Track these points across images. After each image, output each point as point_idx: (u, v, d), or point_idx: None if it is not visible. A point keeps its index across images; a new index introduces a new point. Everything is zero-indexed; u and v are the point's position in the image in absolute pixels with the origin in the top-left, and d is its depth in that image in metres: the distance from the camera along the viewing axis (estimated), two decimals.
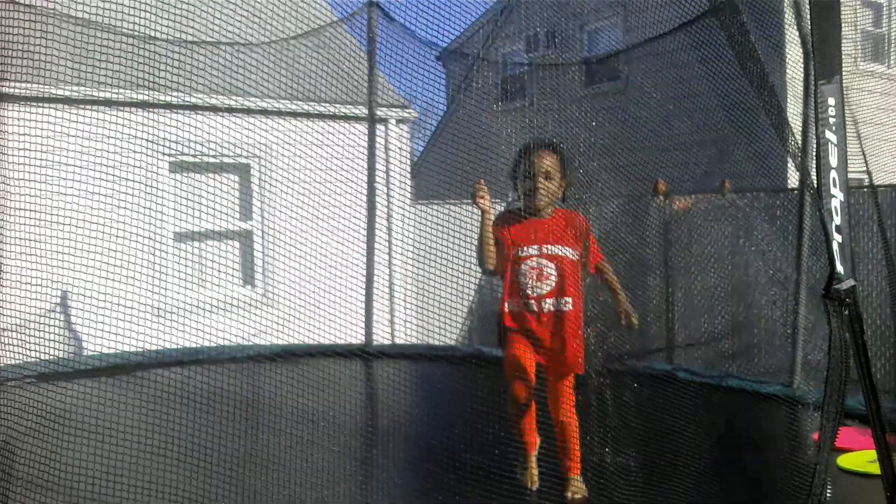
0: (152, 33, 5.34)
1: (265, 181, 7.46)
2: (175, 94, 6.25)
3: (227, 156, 7.15)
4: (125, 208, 5.95)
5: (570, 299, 3.19)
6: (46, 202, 4.74)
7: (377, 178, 7.94)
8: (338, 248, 6.43)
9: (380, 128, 8.09)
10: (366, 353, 5.60)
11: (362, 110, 6.70)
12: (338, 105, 7.14)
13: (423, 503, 3.29)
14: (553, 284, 3.16)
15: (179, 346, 5.58)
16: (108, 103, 5.92)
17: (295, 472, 3.34)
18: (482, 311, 8.14)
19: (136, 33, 5.12)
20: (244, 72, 6.23)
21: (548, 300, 3.16)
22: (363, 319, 6.14)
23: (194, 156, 6.89)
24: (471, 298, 8.04)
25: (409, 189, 8.61)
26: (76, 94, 5.94)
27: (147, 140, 6.34)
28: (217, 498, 3.05)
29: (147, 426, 3.64)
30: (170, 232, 6.92)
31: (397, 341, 7.42)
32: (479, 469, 3.19)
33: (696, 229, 7.65)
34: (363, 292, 6.18)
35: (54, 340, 5.23)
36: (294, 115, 7.33)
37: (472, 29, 9.78)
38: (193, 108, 6.39)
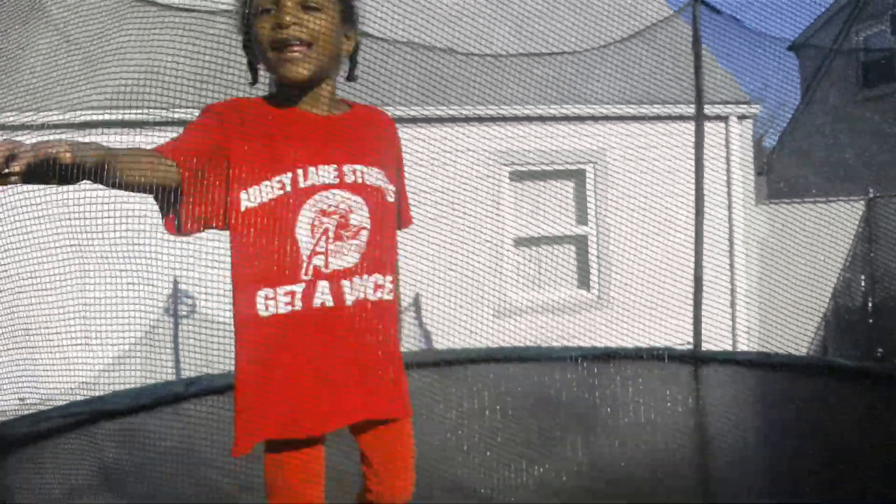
0: (490, 51, 5.72)
1: (601, 185, 7.56)
2: (516, 107, 6.60)
3: (564, 162, 7.36)
4: (471, 215, 6.40)
5: (389, 280, 1.66)
6: None
7: (719, 179, 7.68)
8: (674, 250, 6.31)
9: (719, 125, 7.81)
10: (694, 359, 5.43)
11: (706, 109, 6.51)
12: (675, 105, 7.02)
13: None
14: (365, 246, 1.61)
15: (517, 345, 5.87)
16: (455, 119, 6.43)
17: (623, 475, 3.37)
18: (839, 319, 7.47)
19: (473, 52, 5.52)
20: (580, 79, 6.38)
21: (357, 280, 1.60)
22: (700, 324, 5.97)
23: (533, 164, 7.20)
24: (826, 304, 7.43)
25: (752, 189, 8.17)
26: (426, 113, 6.53)
27: (490, 151, 6.79)
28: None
29: (485, 414, 3.92)
30: (510, 237, 7.29)
31: (740, 348, 7.08)
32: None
33: None
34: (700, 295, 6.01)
35: (408, 336, 5.81)
36: (630, 118, 7.34)
37: (826, 14, 9.02)
38: (530, 118, 6.70)
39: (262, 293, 1.55)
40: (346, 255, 1.59)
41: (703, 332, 5.71)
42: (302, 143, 1.59)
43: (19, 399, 4.87)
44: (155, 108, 4.38)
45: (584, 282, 7.69)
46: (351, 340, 1.59)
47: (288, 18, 1.53)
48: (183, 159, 1.49)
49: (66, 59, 4.32)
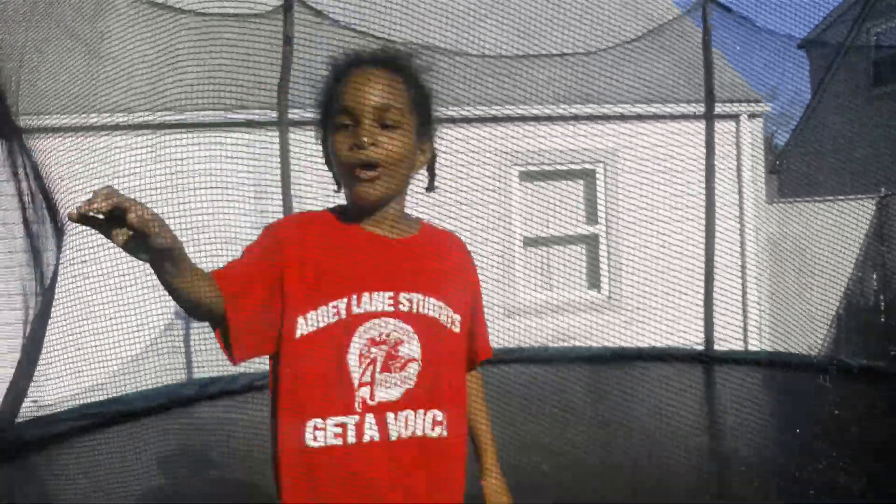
0: (498, 52, 5.72)
1: (611, 185, 7.55)
2: (526, 107, 6.60)
3: (574, 162, 7.36)
4: (479, 216, 6.41)
5: (445, 415, 1.56)
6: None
7: (730, 177, 7.66)
8: (685, 249, 6.31)
9: (730, 124, 7.80)
10: (705, 359, 5.43)
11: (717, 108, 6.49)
12: (685, 104, 7.01)
13: None
14: (414, 379, 1.53)
15: (527, 346, 5.88)
16: (465, 120, 6.44)
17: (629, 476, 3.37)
18: (850, 318, 7.44)
19: (482, 53, 5.53)
20: (590, 79, 6.38)
21: (405, 415, 1.52)
22: (711, 323, 5.96)
23: (543, 164, 7.20)
24: (838, 303, 7.39)
25: (763, 187, 8.16)
26: (435, 113, 6.53)
27: (499, 151, 6.79)
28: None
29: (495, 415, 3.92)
30: (519, 237, 7.29)
31: (751, 348, 7.06)
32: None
33: None
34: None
35: None
36: (640, 117, 7.33)
37: (838, 10, 8.97)
38: (539, 118, 6.69)
39: (311, 423, 1.48)
40: (392, 388, 1.51)
41: (714, 331, 5.71)
42: (361, 267, 1.54)
43: (33, 401, 4.91)
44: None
45: (594, 282, 7.69)
46: (397, 478, 1.50)
47: (366, 139, 1.50)
48: (231, 291, 1.45)
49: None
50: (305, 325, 1.50)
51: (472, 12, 5.36)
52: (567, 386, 4.88)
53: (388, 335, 1.51)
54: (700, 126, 5.92)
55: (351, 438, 1.48)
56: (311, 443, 1.48)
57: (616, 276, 7.48)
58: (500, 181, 6.95)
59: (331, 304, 1.50)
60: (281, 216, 5.05)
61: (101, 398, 4.54)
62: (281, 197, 5.13)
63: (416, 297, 1.54)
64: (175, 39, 4.90)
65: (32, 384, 3.93)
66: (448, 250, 1.69)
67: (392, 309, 1.52)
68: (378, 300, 1.52)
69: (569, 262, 7.45)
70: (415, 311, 1.54)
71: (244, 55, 4.87)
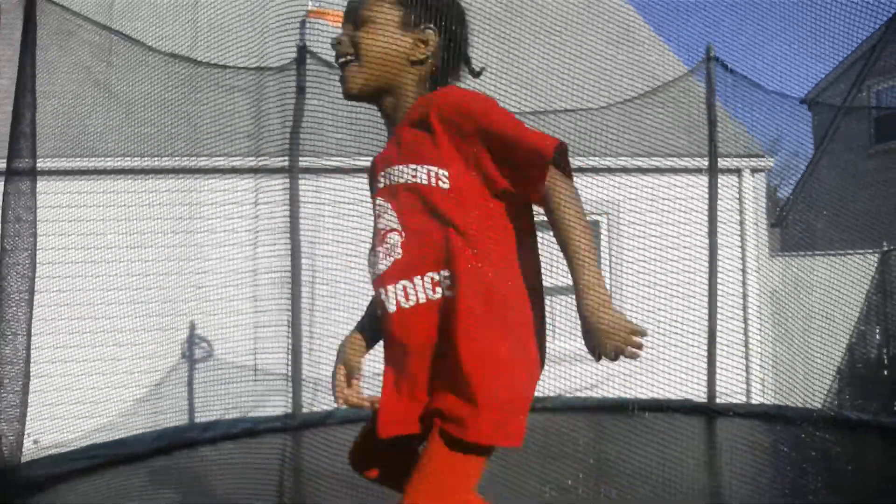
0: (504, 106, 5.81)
1: (614, 237, 7.60)
2: None
3: None
4: None
5: (449, 273, 1.49)
6: None
7: (733, 231, 7.71)
8: (687, 302, 6.33)
9: (733, 178, 7.86)
10: (708, 411, 5.42)
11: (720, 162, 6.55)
12: (688, 158, 7.09)
13: None
14: (398, 248, 1.54)
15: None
16: None
17: None
18: (853, 372, 7.43)
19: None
20: (595, 133, 6.47)
21: (402, 285, 1.52)
22: (714, 375, 5.95)
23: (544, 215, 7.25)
24: (841, 357, 7.39)
25: (766, 241, 8.20)
26: None
27: None
28: None
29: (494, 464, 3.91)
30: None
31: (753, 401, 7.04)
32: None
33: None
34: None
35: None
36: (643, 170, 7.40)
37: (839, 68, 9.11)
38: None
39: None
40: (383, 261, 1.57)
41: (717, 383, 5.69)
42: (378, 162, 1.68)
43: (33, 441, 4.91)
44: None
45: None
46: (397, 347, 1.57)
47: (335, 37, 1.64)
48: None
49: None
50: None
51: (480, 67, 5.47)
52: (567, 435, 4.86)
53: (378, 214, 1.62)
54: (703, 179, 5.98)
55: (382, 308, 1.59)
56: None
57: None
58: None
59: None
60: (288, 260, 5.14)
61: (103, 440, 4.54)
62: (289, 242, 5.20)
63: (390, 170, 1.61)
64: (192, 90, 5.05)
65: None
66: (416, 110, 1.61)
67: (379, 188, 1.64)
68: (377, 184, 1.65)
69: (572, 311, 7.45)
70: (389, 183, 1.60)
71: (258, 105, 5.00)
